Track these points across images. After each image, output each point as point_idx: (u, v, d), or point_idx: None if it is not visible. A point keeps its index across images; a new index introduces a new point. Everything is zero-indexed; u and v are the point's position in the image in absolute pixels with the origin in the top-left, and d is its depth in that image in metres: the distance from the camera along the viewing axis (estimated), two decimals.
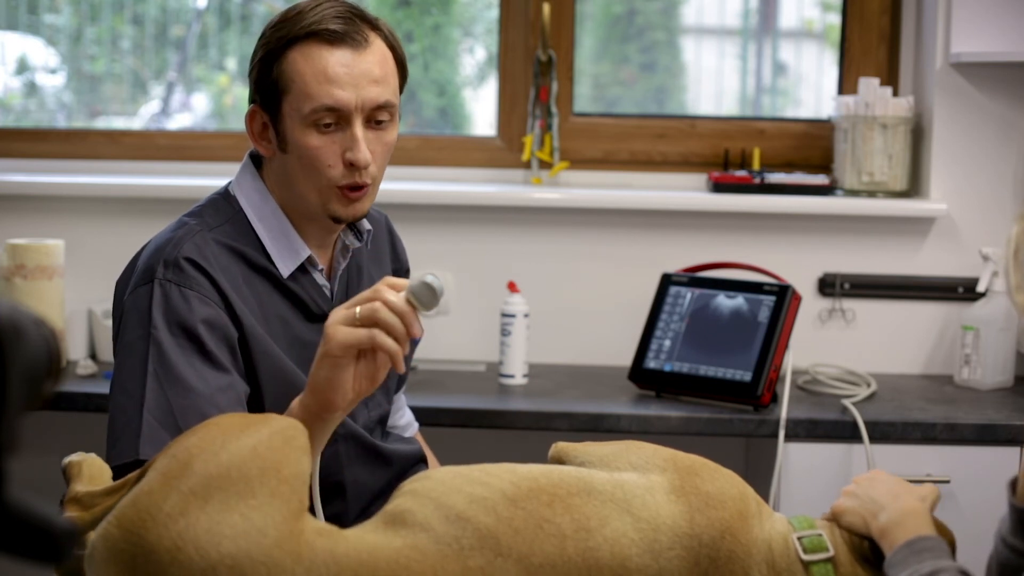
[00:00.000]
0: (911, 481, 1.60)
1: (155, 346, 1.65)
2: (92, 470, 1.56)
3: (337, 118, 1.71)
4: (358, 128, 1.72)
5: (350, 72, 1.71)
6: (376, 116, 1.74)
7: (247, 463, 1.37)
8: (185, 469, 1.36)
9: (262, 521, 1.33)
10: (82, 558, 1.39)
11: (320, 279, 1.83)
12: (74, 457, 1.59)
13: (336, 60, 1.70)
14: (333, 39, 1.71)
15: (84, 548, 1.39)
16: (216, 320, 1.68)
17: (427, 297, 1.47)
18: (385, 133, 1.76)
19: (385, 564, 1.36)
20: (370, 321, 1.48)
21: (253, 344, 1.72)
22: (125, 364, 1.67)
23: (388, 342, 1.48)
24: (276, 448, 1.39)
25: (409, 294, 1.48)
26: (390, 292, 1.48)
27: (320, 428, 1.55)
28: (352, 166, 1.72)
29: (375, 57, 1.73)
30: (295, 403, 1.57)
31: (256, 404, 1.73)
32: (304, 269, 1.81)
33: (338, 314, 1.50)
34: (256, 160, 1.84)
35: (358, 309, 1.48)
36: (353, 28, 1.72)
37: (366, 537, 1.39)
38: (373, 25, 1.76)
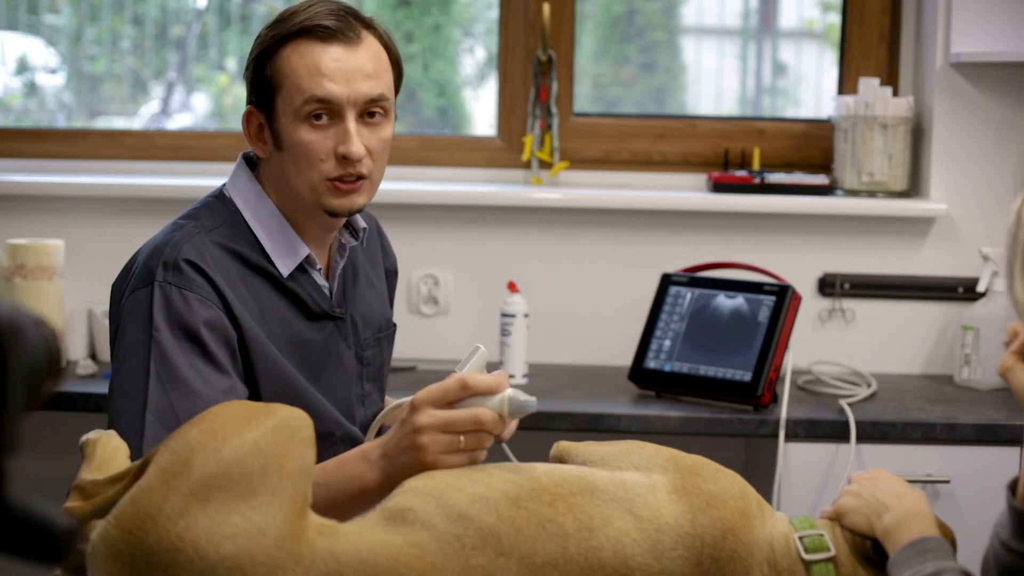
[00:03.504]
0: (910, 481, 1.60)
1: (157, 348, 1.64)
2: (106, 450, 1.55)
3: (330, 112, 1.72)
4: (350, 122, 1.73)
5: (342, 67, 1.72)
6: (369, 110, 1.75)
7: (248, 459, 1.36)
8: (185, 467, 1.36)
9: (262, 521, 1.34)
10: (84, 553, 1.38)
11: (319, 278, 1.83)
12: (91, 435, 1.58)
13: (328, 56, 1.72)
14: (326, 36, 1.72)
15: (86, 541, 1.39)
16: (216, 322, 1.68)
17: (519, 413, 1.51)
18: (380, 129, 1.76)
19: (385, 563, 1.36)
20: (473, 448, 1.52)
21: (252, 346, 1.72)
22: (125, 367, 1.67)
23: (483, 457, 1.55)
24: (279, 442, 1.39)
25: (502, 409, 1.51)
26: (487, 414, 1.50)
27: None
28: (346, 159, 1.73)
29: (368, 53, 1.75)
30: (359, 451, 1.59)
31: None
32: (303, 269, 1.81)
33: (439, 440, 1.51)
34: (250, 162, 1.84)
35: (462, 439, 1.50)
36: (346, 25, 1.74)
37: (366, 535, 1.39)
38: (367, 24, 1.78)
